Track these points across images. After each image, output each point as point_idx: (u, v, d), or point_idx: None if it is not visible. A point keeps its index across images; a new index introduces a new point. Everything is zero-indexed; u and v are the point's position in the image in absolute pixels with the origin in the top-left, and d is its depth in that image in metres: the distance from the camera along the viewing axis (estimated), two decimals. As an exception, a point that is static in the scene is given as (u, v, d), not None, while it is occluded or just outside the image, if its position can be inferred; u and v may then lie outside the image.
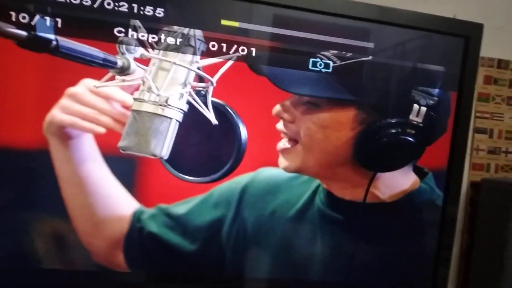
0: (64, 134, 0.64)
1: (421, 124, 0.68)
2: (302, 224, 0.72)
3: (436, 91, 0.69)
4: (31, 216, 0.65)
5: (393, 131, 0.69)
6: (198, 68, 0.64)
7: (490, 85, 0.96)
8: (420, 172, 0.74)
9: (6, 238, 0.65)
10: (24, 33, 0.58)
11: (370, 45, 0.70)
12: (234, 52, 0.65)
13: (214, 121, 0.64)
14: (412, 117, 0.69)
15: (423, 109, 0.68)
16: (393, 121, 0.69)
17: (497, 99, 0.96)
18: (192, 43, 0.64)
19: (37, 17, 0.60)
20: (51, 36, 0.59)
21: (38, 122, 0.63)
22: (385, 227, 0.75)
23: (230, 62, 0.65)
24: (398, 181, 0.73)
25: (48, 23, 0.61)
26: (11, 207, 0.65)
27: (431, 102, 0.69)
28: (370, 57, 0.70)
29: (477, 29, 0.73)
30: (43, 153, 0.64)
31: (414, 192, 0.73)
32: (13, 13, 0.59)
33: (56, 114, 0.63)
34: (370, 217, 0.73)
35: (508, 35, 0.96)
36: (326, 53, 0.68)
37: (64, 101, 0.63)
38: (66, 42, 0.60)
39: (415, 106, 0.68)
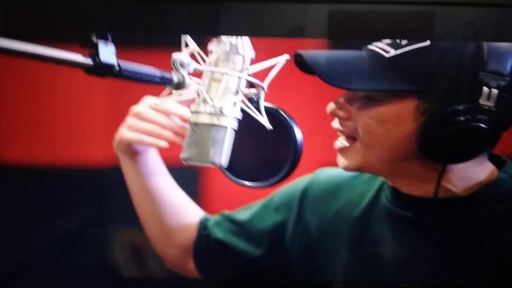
0: (132, 151, 0.69)
1: (493, 109, 0.61)
2: (368, 224, 0.69)
3: (507, 70, 0.62)
4: (109, 228, 0.71)
5: (462, 118, 0.62)
6: (249, 75, 0.65)
7: None
8: (497, 161, 0.67)
9: (89, 249, 0.72)
10: (90, 61, 0.64)
11: (429, 28, 0.66)
12: (282, 55, 0.65)
13: (268, 125, 0.65)
14: (482, 101, 0.62)
15: (494, 91, 0.61)
16: (461, 107, 0.62)
17: None
18: (241, 51, 0.65)
19: (100, 44, 0.65)
20: (114, 61, 0.64)
21: (109, 142, 0.69)
22: (462, 222, 0.68)
23: (279, 66, 0.65)
24: (473, 172, 0.66)
25: (110, 49, 0.66)
26: (91, 221, 0.71)
27: (503, 83, 0.61)
28: (428, 42, 0.65)
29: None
30: (116, 169, 0.70)
31: (493, 183, 0.66)
32: (79, 44, 0.65)
33: (124, 132, 0.68)
34: (444, 213, 0.67)
35: None
36: (379, 44, 0.65)
37: (129, 120, 0.68)
38: (127, 65, 0.65)
39: (485, 89, 0.62)
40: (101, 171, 0.70)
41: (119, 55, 0.62)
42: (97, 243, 0.72)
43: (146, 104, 0.68)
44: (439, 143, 0.63)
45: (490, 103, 0.62)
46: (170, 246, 0.71)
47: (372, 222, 0.69)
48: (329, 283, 0.71)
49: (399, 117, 0.64)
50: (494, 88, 0.61)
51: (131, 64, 0.65)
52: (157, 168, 0.70)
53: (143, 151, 0.69)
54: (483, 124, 0.62)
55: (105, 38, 0.65)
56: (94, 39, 0.66)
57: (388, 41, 0.65)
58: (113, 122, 0.69)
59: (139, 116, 0.68)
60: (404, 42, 0.65)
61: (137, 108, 0.68)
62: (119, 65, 0.65)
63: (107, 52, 0.66)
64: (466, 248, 0.69)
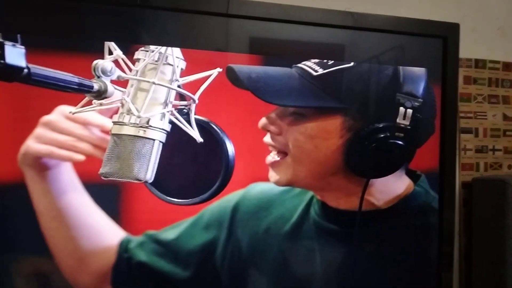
0: (41, 165, 0.61)
1: (408, 127, 0.68)
2: (298, 239, 0.69)
3: (420, 92, 0.69)
4: (9, 255, 0.61)
5: (382, 135, 0.68)
6: (179, 86, 0.62)
7: (470, 85, 0.97)
8: (413, 175, 0.73)
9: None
10: (-7, 62, 0.55)
11: (351, 51, 0.70)
12: (215, 68, 0.64)
13: (199, 139, 0.62)
14: (399, 120, 0.68)
15: (409, 111, 0.68)
16: (381, 125, 0.68)
17: (479, 98, 0.97)
18: (171, 62, 0.62)
19: (7, 45, 0.58)
20: (23, 64, 0.57)
21: (12, 155, 0.60)
22: (383, 234, 0.73)
23: (211, 78, 0.63)
24: (392, 186, 0.71)
25: (18, 50, 0.58)
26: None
27: (416, 104, 0.68)
28: (352, 64, 0.69)
29: (453, 29, 0.74)
30: (19, 186, 0.60)
31: (409, 196, 0.72)
32: (-21, 42, 0.57)
33: (31, 144, 0.60)
34: (367, 225, 0.71)
35: (480, 35, 0.98)
36: (308, 63, 0.68)
37: (39, 130, 0.60)
38: (38, 69, 0.58)
39: (401, 109, 0.68)
40: (2, 188, 0.60)
41: (35, 60, 0.55)
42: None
43: (60, 113, 0.61)
44: (363, 158, 0.67)
45: (406, 122, 0.68)
46: (85, 273, 0.63)
47: (302, 236, 0.69)
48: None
49: (327, 133, 0.67)
50: (409, 108, 0.68)
51: (44, 68, 0.58)
52: (70, 184, 0.62)
53: (54, 165, 0.62)
54: (400, 141, 0.68)
55: (14, 39, 0.58)
56: (0, 39, 0.58)
57: (316, 60, 0.68)
58: (18, 132, 0.60)
59: (50, 126, 0.61)
60: (330, 62, 0.68)
61: (48, 117, 0.61)
62: (28, 69, 0.58)
63: (15, 54, 0.58)
64: (389, 257, 0.73)
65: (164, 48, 0.61)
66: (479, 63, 0.97)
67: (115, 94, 0.61)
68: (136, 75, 0.60)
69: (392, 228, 0.73)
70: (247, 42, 0.68)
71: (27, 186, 0.61)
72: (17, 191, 0.61)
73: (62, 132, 0.61)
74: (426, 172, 0.73)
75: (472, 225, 0.94)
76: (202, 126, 0.63)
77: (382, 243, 0.73)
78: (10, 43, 0.58)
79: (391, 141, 0.68)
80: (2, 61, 0.57)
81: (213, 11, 0.66)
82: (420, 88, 0.69)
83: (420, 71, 0.71)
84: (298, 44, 0.70)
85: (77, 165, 0.62)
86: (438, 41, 0.74)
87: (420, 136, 0.71)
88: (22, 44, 0.58)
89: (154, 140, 0.60)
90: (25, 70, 0.57)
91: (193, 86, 0.63)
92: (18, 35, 0.59)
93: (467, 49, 0.94)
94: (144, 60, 0.61)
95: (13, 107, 0.61)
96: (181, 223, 0.67)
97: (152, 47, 0.61)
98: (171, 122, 0.62)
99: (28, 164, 0.60)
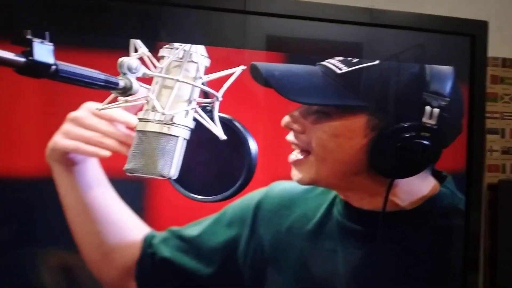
0: (68, 160, 0.62)
1: (435, 126, 0.66)
2: (321, 238, 0.69)
3: (447, 91, 0.67)
4: (36, 249, 0.62)
5: (407, 135, 0.66)
6: (203, 84, 0.62)
7: (497, 84, 0.95)
8: (439, 176, 0.71)
9: (11, 274, 0.62)
10: (22, 59, 0.57)
11: (375, 49, 0.69)
12: (235, 65, 0.64)
13: (222, 136, 0.62)
14: (425, 119, 0.66)
15: (436, 110, 0.66)
16: (406, 125, 0.66)
17: (505, 98, 0.95)
18: (195, 59, 0.62)
19: (35, 42, 0.59)
20: (51, 61, 0.58)
21: (40, 150, 0.61)
22: (408, 235, 0.72)
23: (235, 76, 0.63)
24: (417, 187, 0.70)
25: (46, 47, 0.59)
26: (14, 240, 0.62)
27: (443, 103, 0.66)
28: (377, 62, 0.68)
29: (482, 27, 0.72)
30: (46, 181, 0.62)
31: (435, 197, 0.70)
32: (11, 41, 0.58)
33: (59, 140, 0.61)
34: (391, 226, 0.70)
35: (508, 34, 0.96)
36: (332, 60, 0.67)
37: (66, 126, 0.61)
38: (66, 66, 0.59)
39: (427, 108, 0.66)
40: (30, 182, 0.62)
41: (62, 57, 0.56)
42: (24, 266, 0.62)
43: (87, 110, 0.62)
44: (387, 158, 0.66)
45: (432, 121, 0.66)
46: (110, 267, 0.64)
47: (325, 236, 0.69)
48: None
49: (351, 132, 0.66)
50: (436, 107, 0.66)
51: (71, 65, 0.59)
52: (96, 180, 0.63)
53: (81, 161, 0.63)
54: (426, 140, 0.66)
55: (42, 37, 0.59)
56: (29, 36, 0.59)
57: (340, 58, 0.67)
58: (46, 128, 0.62)
59: (77, 122, 0.62)
60: (355, 60, 0.67)
61: (75, 113, 0.62)
62: (56, 66, 0.59)
63: (43, 51, 0.60)
64: (413, 258, 0.72)
65: (188, 45, 0.62)
66: (507, 62, 0.95)
67: (140, 91, 0.61)
68: (160, 73, 0.61)
69: (417, 229, 0.72)
70: (265, 40, 0.67)
71: (54, 181, 0.62)
72: (44, 185, 0.62)
73: (89, 128, 0.62)
74: (453, 173, 0.72)
75: (497, 228, 0.92)
76: (225, 124, 0.63)
77: (406, 244, 0.72)
78: (39, 40, 0.59)
79: (416, 141, 0.66)
80: (30, 58, 0.58)
81: (231, 8, 0.66)
82: (447, 87, 0.67)
83: (447, 69, 0.69)
84: (319, 42, 0.70)
85: (103, 160, 0.63)
86: (465, 39, 0.72)
87: (446, 136, 0.70)
88: (50, 41, 0.59)
89: (178, 137, 0.60)
90: (53, 67, 0.58)
91: (216, 84, 0.63)
92: (47, 33, 0.60)
93: (494, 48, 0.91)
94: (169, 57, 0.61)
95: (41, 103, 0.62)
96: (204, 220, 0.67)
97: (176, 44, 0.62)
98: (195, 119, 0.62)
99: (55, 159, 0.62)
